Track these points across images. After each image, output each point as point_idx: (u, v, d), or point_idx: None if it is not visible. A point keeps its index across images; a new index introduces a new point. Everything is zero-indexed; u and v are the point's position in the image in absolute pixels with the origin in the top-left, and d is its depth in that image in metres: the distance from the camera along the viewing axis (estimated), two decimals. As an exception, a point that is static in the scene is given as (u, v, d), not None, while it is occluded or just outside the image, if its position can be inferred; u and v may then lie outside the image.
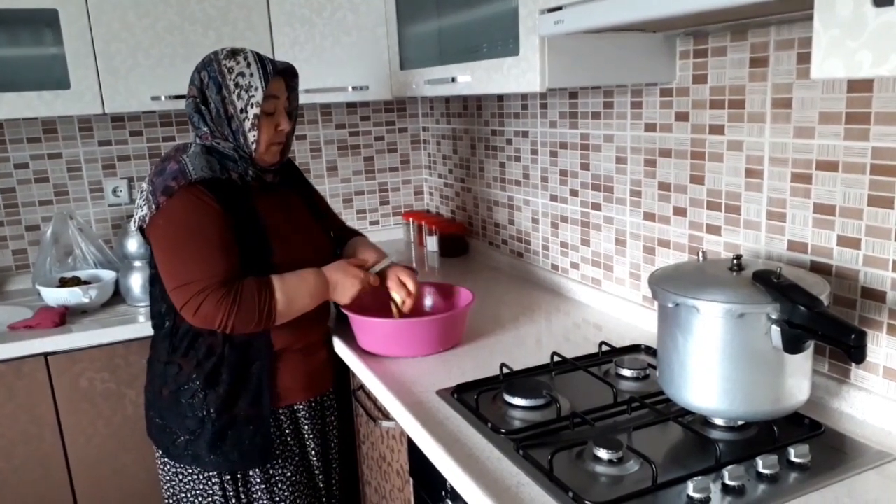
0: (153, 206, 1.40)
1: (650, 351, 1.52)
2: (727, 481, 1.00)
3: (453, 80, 1.69)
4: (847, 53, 0.77)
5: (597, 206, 1.84)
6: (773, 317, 1.04)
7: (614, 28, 1.36)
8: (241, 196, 1.46)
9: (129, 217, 2.43)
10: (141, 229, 1.46)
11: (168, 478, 1.56)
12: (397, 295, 1.60)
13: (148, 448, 1.88)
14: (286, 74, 1.51)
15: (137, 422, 1.98)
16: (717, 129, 1.42)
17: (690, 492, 0.97)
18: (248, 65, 1.43)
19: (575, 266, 1.97)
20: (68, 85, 2.00)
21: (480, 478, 1.06)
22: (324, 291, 1.49)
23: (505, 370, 1.42)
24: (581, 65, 1.42)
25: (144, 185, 1.47)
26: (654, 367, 1.41)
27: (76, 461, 1.98)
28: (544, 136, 2.02)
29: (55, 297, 2.03)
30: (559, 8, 1.28)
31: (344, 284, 1.50)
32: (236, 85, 1.42)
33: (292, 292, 1.43)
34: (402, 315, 1.60)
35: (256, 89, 1.42)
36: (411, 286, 1.59)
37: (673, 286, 1.13)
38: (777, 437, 1.11)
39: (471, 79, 1.62)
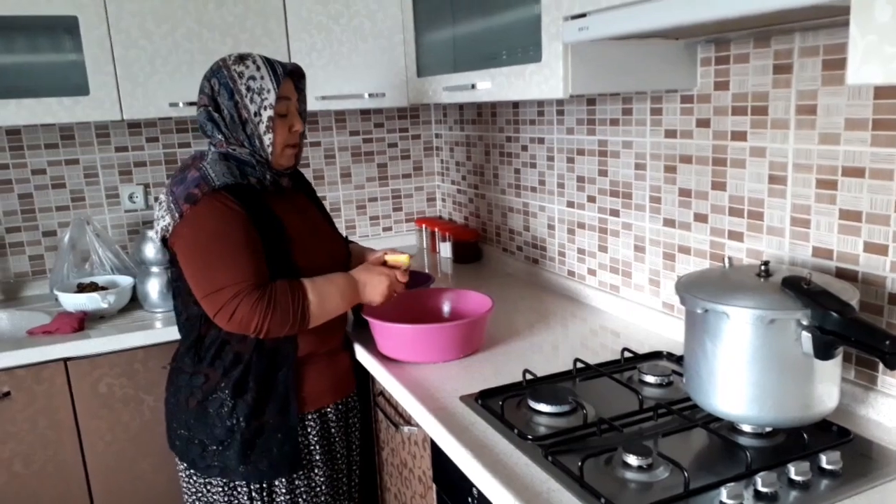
0: (176, 215, 1.40)
1: (672, 357, 1.52)
2: (760, 488, 1.00)
3: (473, 86, 1.69)
4: (885, 59, 0.77)
5: (615, 213, 1.84)
6: (804, 323, 1.04)
7: (638, 35, 1.37)
8: (261, 201, 1.47)
9: (146, 223, 2.44)
10: (164, 239, 1.46)
11: (194, 489, 1.55)
12: (397, 257, 1.58)
13: (167, 454, 1.88)
14: (294, 75, 1.51)
15: (156, 427, 1.98)
16: (740, 136, 1.42)
17: (724, 498, 0.97)
18: (258, 68, 1.44)
19: (592, 272, 1.97)
20: (87, 91, 2.01)
21: (510, 483, 1.06)
22: (354, 292, 1.49)
23: (528, 376, 1.42)
24: (603, 71, 1.43)
25: (162, 196, 1.47)
26: (678, 374, 1.42)
27: (94, 466, 1.98)
28: (561, 143, 2.03)
29: (74, 302, 2.04)
30: (583, 15, 1.29)
31: (373, 282, 1.50)
32: (248, 89, 1.43)
33: (324, 293, 1.44)
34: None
35: (269, 91, 1.43)
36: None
37: (702, 292, 1.13)
38: (807, 443, 1.10)
39: (491, 85, 1.63)
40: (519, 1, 1.55)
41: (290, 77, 1.50)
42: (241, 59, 1.46)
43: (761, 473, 1.01)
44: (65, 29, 2.06)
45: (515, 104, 2.23)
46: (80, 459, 1.96)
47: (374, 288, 1.51)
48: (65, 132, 2.35)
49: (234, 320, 1.37)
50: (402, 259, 1.58)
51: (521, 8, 1.54)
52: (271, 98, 1.43)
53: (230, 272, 1.37)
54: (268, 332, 1.39)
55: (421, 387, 1.44)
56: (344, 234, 1.76)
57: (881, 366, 1.20)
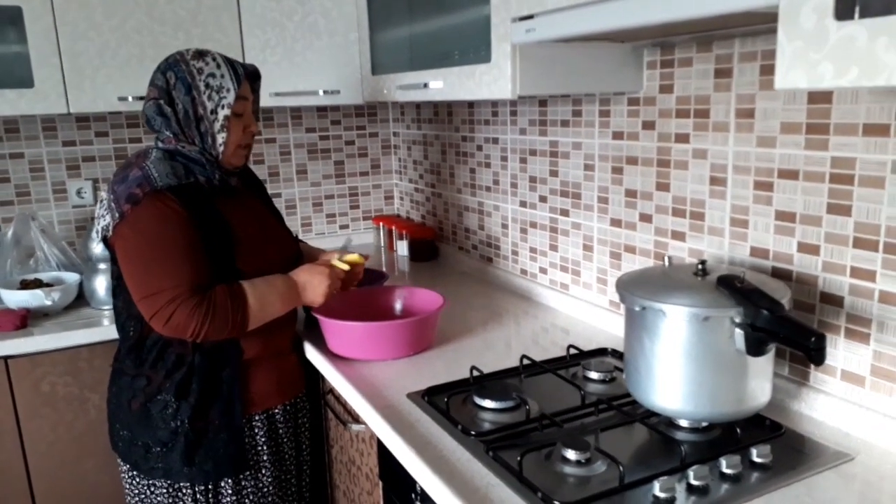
0: (117, 215, 1.38)
1: (616, 354, 1.54)
2: (692, 481, 1.02)
3: (425, 85, 1.70)
4: (810, 65, 0.79)
5: (565, 213, 1.86)
6: (737, 320, 1.07)
7: (584, 37, 1.39)
8: (208, 201, 1.45)
9: (94, 219, 2.38)
10: (105, 239, 1.44)
11: (137, 491, 1.53)
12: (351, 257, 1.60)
13: (112, 454, 1.84)
14: (252, 77, 1.51)
15: (101, 426, 1.93)
16: (683, 138, 1.45)
17: (657, 491, 0.99)
18: (219, 66, 1.43)
19: (543, 271, 1.99)
20: (32, 84, 1.96)
21: (451, 480, 1.07)
22: (295, 295, 1.49)
23: (475, 373, 1.43)
24: (551, 73, 1.44)
25: (104, 194, 1.45)
26: (621, 370, 1.44)
27: (37, 468, 1.93)
28: (514, 143, 2.04)
29: (16, 299, 1.98)
30: (531, 16, 1.30)
31: (313, 283, 1.50)
32: (207, 86, 1.41)
33: (264, 298, 1.43)
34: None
35: (229, 90, 1.42)
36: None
37: (640, 290, 1.15)
38: (739, 437, 1.14)
39: (443, 85, 1.63)
40: (470, 1, 1.56)
41: (248, 78, 1.49)
42: (201, 55, 1.44)
43: (694, 467, 1.04)
44: (8, 19, 2.00)
45: (471, 104, 2.24)
46: (21, 461, 1.91)
47: (315, 289, 1.50)
48: (9, 125, 2.28)
49: (170, 325, 1.35)
50: (356, 258, 1.60)
51: (472, 8, 1.55)
52: (230, 97, 1.42)
53: (169, 276, 1.35)
54: (205, 338, 1.38)
55: (369, 384, 1.44)
56: (296, 234, 1.75)
57: (813, 362, 1.24)
